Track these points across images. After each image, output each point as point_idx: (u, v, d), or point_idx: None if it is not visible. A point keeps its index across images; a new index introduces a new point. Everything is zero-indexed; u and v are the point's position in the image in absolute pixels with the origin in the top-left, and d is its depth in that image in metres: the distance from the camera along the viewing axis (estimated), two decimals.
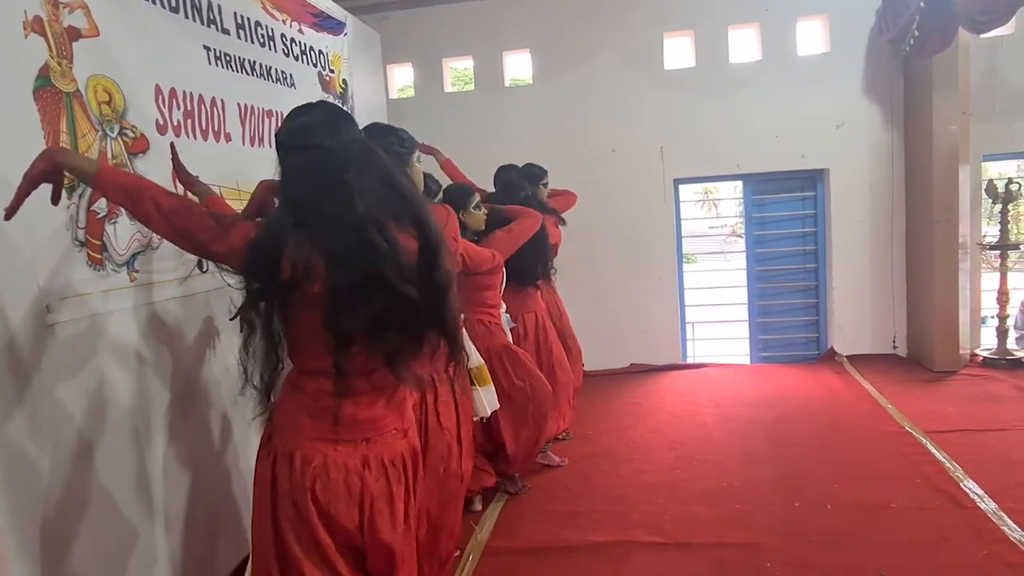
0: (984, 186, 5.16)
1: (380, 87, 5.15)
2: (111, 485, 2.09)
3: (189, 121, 2.57)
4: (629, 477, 3.62)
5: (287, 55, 3.44)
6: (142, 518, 2.22)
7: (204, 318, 2.62)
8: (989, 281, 5.60)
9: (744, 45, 5.60)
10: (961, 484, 3.23)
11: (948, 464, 3.46)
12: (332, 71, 3.86)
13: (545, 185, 4.28)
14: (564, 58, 5.68)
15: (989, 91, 5.18)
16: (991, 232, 5.49)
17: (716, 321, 6.46)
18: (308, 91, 3.61)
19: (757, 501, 3.23)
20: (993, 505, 3.01)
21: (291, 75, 3.45)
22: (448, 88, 5.98)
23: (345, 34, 4.10)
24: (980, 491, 3.15)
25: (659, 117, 5.60)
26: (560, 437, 4.12)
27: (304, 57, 3.61)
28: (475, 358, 2.90)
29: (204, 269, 2.63)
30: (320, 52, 3.75)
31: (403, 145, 2.14)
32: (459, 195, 3.15)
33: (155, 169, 2.39)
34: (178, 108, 2.53)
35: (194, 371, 2.55)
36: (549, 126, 5.72)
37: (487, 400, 2.93)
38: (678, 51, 5.67)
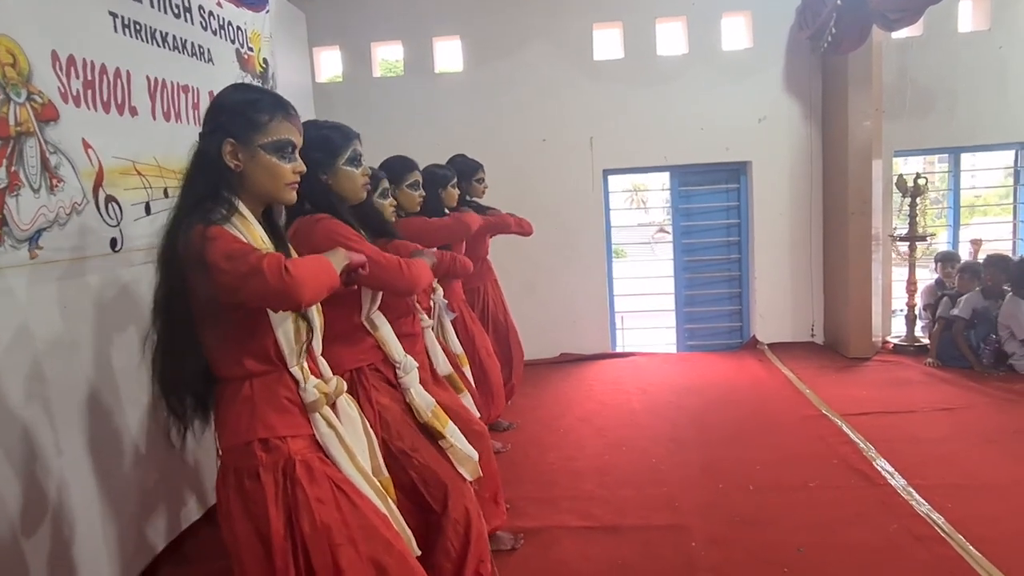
0: (895, 180, 5.39)
1: (305, 69, 5.00)
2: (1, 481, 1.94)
3: (89, 91, 2.41)
4: (558, 464, 3.62)
5: (204, 28, 3.28)
6: (35, 518, 2.07)
7: (115, 300, 2.47)
8: (897, 272, 5.87)
9: (671, 38, 5.68)
10: (874, 463, 3.36)
11: (862, 445, 3.59)
12: (251, 49, 3.70)
13: (480, 181, 3.97)
14: (494, 46, 5.63)
15: (900, 90, 5.42)
16: (900, 225, 5.74)
17: (644, 311, 6.55)
18: (226, 68, 3.45)
19: (683, 484, 3.28)
20: (903, 482, 3.14)
21: (208, 50, 3.29)
22: (376, 73, 5.84)
23: (267, 11, 3.95)
24: (891, 469, 3.28)
25: (588, 108, 5.63)
26: (504, 427, 4.13)
27: (222, 32, 3.45)
28: (443, 366, 2.75)
29: (117, 248, 2.47)
30: (238, 28, 3.59)
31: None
32: (396, 167, 2.85)
33: (66, 140, 2.25)
34: (77, 77, 2.36)
35: (99, 356, 2.39)
36: (479, 114, 5.66)
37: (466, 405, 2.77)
38: (607, 42, 5.70)
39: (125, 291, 2.49)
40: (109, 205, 2.39)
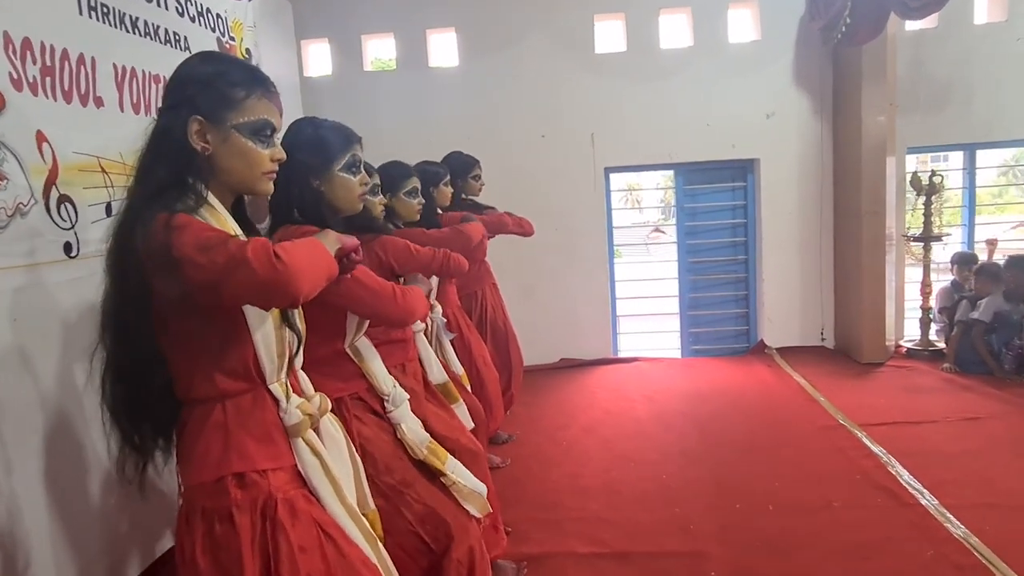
0: (908, 178, 5.18)
1: (292, 63, 4.77)
2: None
3: (48, 79, 2.17)
4: (562, 481, 3.39)
5: (180, 14, 3.05)
6: None
7: (73, 311, 2.22)
8: (909, 274, 5.66)
9: (675, 31, 5.46)
10: (900, 479, 3.14)
11: (885, 458, 3.38)
12: (232, 38, 3.47)
13: (476, 178, 3.82)
14: (491, 39, 5.40)
15: (914, 84, 5.21)
16: (913, 224, 5.52)
17: (646, 314, 6.33)
18: None
19: (696, 504, 3.05)
20: (935, 501, 2.92)
21: (185, 37, 3.06)
22: (367, 67, 5.60)
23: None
24: (920, 486, 3.06)
25: (589, 103, 5.40)
26: (504, 439, 3.91)
27: (200, 19, 3.22)
28: (438, 374, 2.54)
29: (73, 255, 2.23)
30: (218, 16, 3.35)
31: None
32: (391, 175, 2.67)
33: (13, 132, 2.00)
34: (33, 63, 2.12)
35: (58, 372, 2.15)
36: (475, 110, 5.43)
37: (460, 416, 2.57)
38: (608, 35, 5.48)
39: (84, 301, 2.25)
40: (62, 206, 2.14)
